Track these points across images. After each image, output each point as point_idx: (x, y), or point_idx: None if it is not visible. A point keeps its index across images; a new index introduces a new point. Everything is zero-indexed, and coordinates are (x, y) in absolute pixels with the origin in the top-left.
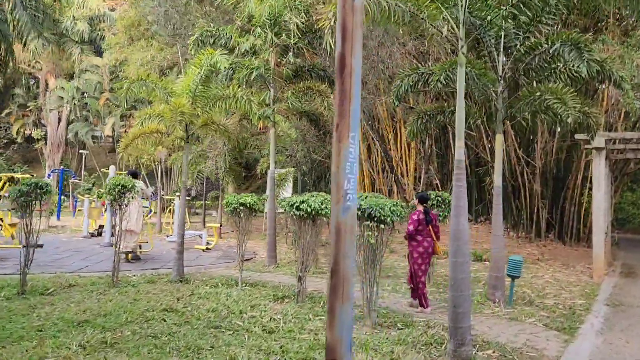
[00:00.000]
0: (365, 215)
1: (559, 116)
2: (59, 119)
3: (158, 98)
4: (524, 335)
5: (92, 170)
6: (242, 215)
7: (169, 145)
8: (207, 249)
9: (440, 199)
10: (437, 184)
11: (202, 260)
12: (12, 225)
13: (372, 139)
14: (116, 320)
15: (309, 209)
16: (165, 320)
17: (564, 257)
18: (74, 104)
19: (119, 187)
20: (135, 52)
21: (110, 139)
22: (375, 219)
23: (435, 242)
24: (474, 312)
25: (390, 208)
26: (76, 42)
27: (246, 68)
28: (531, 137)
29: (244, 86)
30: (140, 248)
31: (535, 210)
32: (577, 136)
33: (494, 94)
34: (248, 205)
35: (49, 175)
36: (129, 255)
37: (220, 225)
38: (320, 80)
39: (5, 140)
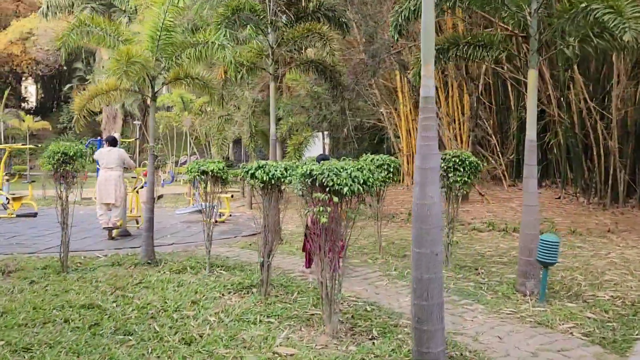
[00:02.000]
0: (317, 184)
1: (616, 37)
2: None
3: (110, 47)
4: (549, 353)
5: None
6: (204, 186)
7: (195, 111)
8: (216, 222)
9: (458, 160)
10: (494, 145)
11: (202, 236)
12: (17, 199)
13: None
14: (5, 324)
15: (265, 177)
16: (68, 323)
17: None
18: None
19: (59, 154)
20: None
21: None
22: (328, 189)
23: None
24: (490, 310)
25: (350, 174)
26: (124, 10)
27: (227, 8)
28: (605, 84)
29: (224, 30)
30: (137, 223)
31: (612, 172)
32: None
33: (527, 16)
34: (212, 173)
35: (87, 146)
36: (113, 231)
37: (231, 196)
38: (329, 22)
39: (72, 115)
